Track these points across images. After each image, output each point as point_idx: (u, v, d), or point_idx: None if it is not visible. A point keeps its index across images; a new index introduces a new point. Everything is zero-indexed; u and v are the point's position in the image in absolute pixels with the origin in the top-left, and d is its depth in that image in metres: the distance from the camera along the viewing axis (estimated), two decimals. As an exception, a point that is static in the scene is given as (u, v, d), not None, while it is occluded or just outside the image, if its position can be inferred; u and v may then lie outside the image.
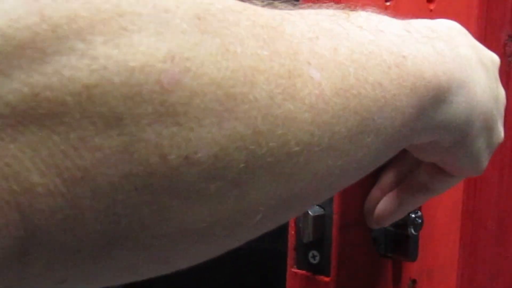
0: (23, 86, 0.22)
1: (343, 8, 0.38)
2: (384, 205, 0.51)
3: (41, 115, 0.22)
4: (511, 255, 0.72)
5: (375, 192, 0.52)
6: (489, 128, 0.45)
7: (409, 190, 0.50)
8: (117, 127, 0.23)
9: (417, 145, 0.43)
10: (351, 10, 0.38)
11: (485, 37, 0.65)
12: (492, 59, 0.48)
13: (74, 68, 0.22)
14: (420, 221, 0.55)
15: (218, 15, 0.27)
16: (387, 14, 0.41)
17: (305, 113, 0.30)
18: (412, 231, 0.55)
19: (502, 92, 0.48)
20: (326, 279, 0.53)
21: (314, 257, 0.54)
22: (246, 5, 0.30)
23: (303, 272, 0.55)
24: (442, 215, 0.63)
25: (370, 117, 0.34)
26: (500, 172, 0.70)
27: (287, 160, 0.29)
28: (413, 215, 0.55)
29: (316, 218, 0.52)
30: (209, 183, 0.26)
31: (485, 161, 0.48)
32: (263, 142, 0.28)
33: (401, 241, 0.56)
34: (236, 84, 0.27)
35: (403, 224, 0.56)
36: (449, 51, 0.41)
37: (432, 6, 0.58)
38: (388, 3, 0.54)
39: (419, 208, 0.56)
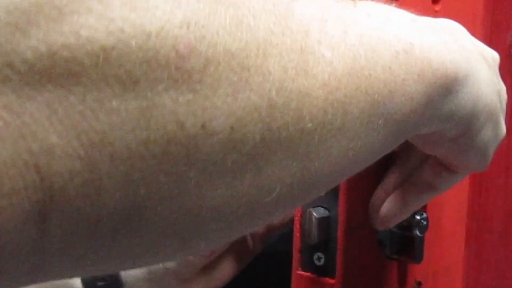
0: (41, 44, 0.22)
1: None
2: (388, 205, 0.52)
3: (58, 74, 0.22)
4: None
5: (379, 192, 0.52)
6: (493, 121, 0.46)
7: (413, 189, 0.51)
8: (134, 91, 0.23)
9: (423, 136, 0.43)
10: None
11: (490, 38, 0.65)
12: (493, 55, 0.49)
13: (92, 29, 0.22)
14: (425, 223, 0.55)
15: None
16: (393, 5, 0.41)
17: (318, 89, 0.30)
18: (418, 232, 0.55)
19: (503, 87, 0.49)
20: (331, 281, 0.53)
21: (319, 259, 0.54)
22: None
23: (308, 274, 0.55)
24: (447, 216, 0.62)
25: (381, 100, 0.34)
26: (506, 173, 0.70)
27: (301, 137, 0.30)
28: (418, 217, 0.55)
29: (321, 219, 0.52)
30: (226, 155, 0.27)
31: (490, 154, 0.48)
32: (278, 115, 0.28)
33: (406, 243, 0.56)
34: (249, 55, 0.27)
35: (409, 225, 0.56)
36: (454, 42, 0.42)
37: (437, 7, 0.59)
38: (392, 5, 0.54)
39: (425, 210, 0.56)
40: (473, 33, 0.61)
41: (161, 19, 0.24)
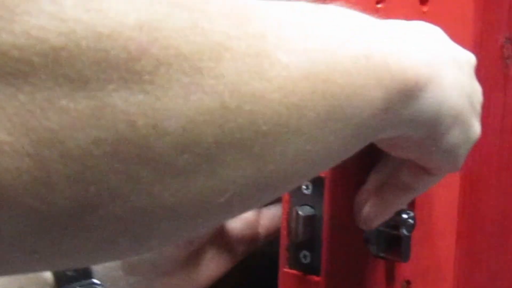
0: None
1: (313, 1, 0.39)
2: (370, 206, 0.52)
3: (7, 73, 0.23)
4: (507, 262, 0.73)
5: (361, 193, 0.53)
6: (461, 124, 0.46)
7: (392, 190, 0.51)
8: (84, 91, 0.24)
9: (390, 140, 0.44)
10: (321, 3, 0.40)
11: (481, 39, 0.66)
12: (467, 58, 0.49)
13: (43, 29, 0.23)
14: (412, 221, 0.56)
15: None
16: (356, 10, 0.42)
17: (273, 93, 0.31)
18: (404, 231, 0.56)
19: (477, 89, 0.50)
20: (317, 278, 0.54)
21: (305, 257, 0.55)
22: None
23: (295, 272, 0.56)
24: (437, 215, 0.63)
25: (338, 104, 0.35)
26: (498, 173, 0.70)
27: (256, 139, 0.31)
28: (405, 216, 0.55)
29: (307, 218, 0.53)
30: (179, 155, 0.27)
31: (461, 156, 0.49)
32: (232, 117, 0.29)
33: (393, 241, 0.57)
34: (202, 58, 0.28)
35: (396, 224, 0.56)
36: (417, 46, 0.42)
37: (425, 8, 0.59)
38: (379, 5, 0.55)
39: (413, 209, 0.57)
40: (463, 34, 0.62)
41: (113, 20, 0.24)
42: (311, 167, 0.37)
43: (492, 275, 0.71)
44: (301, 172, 0.36)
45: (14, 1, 0.23)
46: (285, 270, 0.56)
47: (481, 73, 0.66)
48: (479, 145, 0.67)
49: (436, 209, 0.63)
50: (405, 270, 0.60)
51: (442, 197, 0.63)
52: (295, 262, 0.55)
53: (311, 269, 0.54)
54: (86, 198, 0.25)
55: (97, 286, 0.56)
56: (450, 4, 0.61)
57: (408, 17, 0.56)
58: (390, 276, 0.58)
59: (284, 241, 0.55)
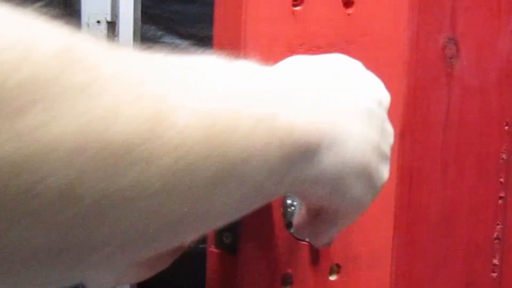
0: None
1: (225, 56, 0.40)
2: (308, 235, 0.55)
3: None
4: (456, 247, 0.76)
5: (298, 220, 0.54)
6: (366, 178, 0.47)
7: (324, 223, 0.51)
8: None
9: (296, 193, 0.45)
10: (231, 59, 0.40)
11: (417, 40, 0.69)
12: (380, 99, 0.49)
13: None
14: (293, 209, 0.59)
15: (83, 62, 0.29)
16: (270, 65, 0.43)
17: (164, 156, 0.31)
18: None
19: (389, 133, 0.50)
20: (234, 257, 0.58)
21: (227, 237, 0.59)
22: (115, 52, 0.32)
23: (218, 251, 0.60)
24: (371, 207, 0.66)
25: (234, 166, 0.35)
26: (444, 168, 0.73)
27: (142, 200, 0.31)
28: (289, 201, 0.59)
29: None
30: (57, 213, 0.28)
31: (366, 203, 0.49)
32: (117, 180, 0.29)
33: None
34: (92, 120, 0.28)
35: None
36: (324, 105, 0.43)
37: (350, 11, 0.60)
38: (297, 8, 0.57)
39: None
40: (397, 35, 0.65)
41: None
42: (205, 223, 0.38)
43: (437, 265, 0.74)
44: (192, 228, 0.37)
45: None
46: (211, 250, 0.60)
47: (419, 73, 0.70)
48: (422, 141, 0.71)
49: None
50: (333, 254, 0.63)
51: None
52: (218, 242, 0.59)
53: (231, 248, 0.58)
54: None
55: None
56: (380, 6, 0.63)
57: (330, 20, 0.60)
58: (314, 259, 0.62)
59: (211, 223, 0.60)
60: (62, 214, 0.28)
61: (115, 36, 1.22)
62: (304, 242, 0.61)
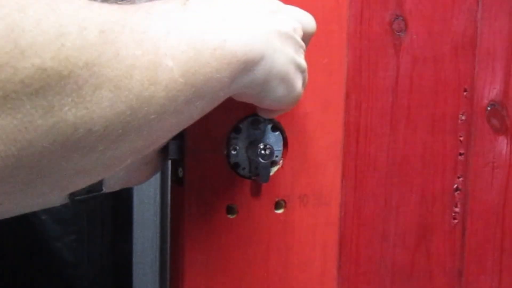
0: None
1: None
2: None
3: None
4: (409, 194, 0.84)
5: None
6: (286, 83, 0.59)
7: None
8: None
9: (235, 94, 0.57)
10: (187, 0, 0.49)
11: (361, 17, 0.79)
12: (294, 27, 0.59)
13: None
14: (267, 152, 0.72)
15: (116, 27, 0.40)
16: None
17: (161, 92, 0.43)
18: (261, 159, 0.72)
19: (303, 47, 0.61)
20: (182, 188, 0.71)
21: (180, 172, 0.71)
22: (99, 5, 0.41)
23: (175, 185, 0.72)
24: (318, 152, 0.77)
25: (201, 88, 0.46)
26: (393, 125, 0.83)
27: (146, 123, 0.43)
28: (262, 148, 0.71)
29: (174, 143, 0.70)
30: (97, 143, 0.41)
31: (287, 103, 0.62)
32: (136, 113, 0.41)
33: (257, 167, 0.73)
34: (120, 76, 0.40)
35: (259, 154, 0.72)
36: (256, 29, 0.53)
37: None
38: None
39: (284, 145, 0.73)
40: (340, 10, 0.75)
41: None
42: (178, 129, 0.51)
43: (386, 208, 0.84)
44: (171, 133, 0.51)
45: None
46: (170, 184, 0.73)
47: (364, 44, 0.80)
48: (369, 101, 0.82)
49: (315, 148, 0.77)
50: (278, 191, 0.75)
51: (322, 140, 0.77)
52: (175, 177, 0.71)
53: (182, 181, 0.70)
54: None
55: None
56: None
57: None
58: (256, 193, 0.73)
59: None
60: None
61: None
62: (247, 180, 0.73)
